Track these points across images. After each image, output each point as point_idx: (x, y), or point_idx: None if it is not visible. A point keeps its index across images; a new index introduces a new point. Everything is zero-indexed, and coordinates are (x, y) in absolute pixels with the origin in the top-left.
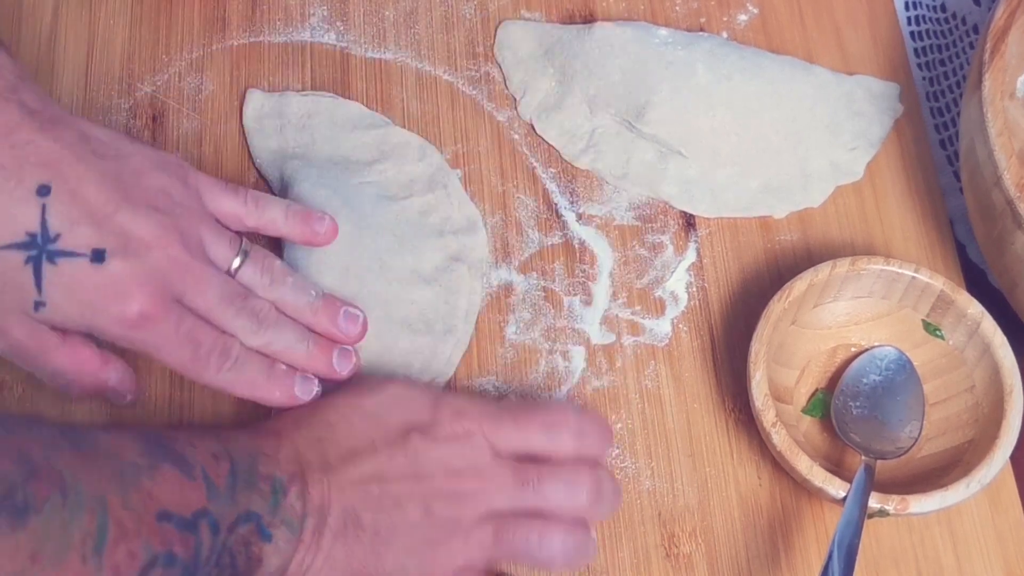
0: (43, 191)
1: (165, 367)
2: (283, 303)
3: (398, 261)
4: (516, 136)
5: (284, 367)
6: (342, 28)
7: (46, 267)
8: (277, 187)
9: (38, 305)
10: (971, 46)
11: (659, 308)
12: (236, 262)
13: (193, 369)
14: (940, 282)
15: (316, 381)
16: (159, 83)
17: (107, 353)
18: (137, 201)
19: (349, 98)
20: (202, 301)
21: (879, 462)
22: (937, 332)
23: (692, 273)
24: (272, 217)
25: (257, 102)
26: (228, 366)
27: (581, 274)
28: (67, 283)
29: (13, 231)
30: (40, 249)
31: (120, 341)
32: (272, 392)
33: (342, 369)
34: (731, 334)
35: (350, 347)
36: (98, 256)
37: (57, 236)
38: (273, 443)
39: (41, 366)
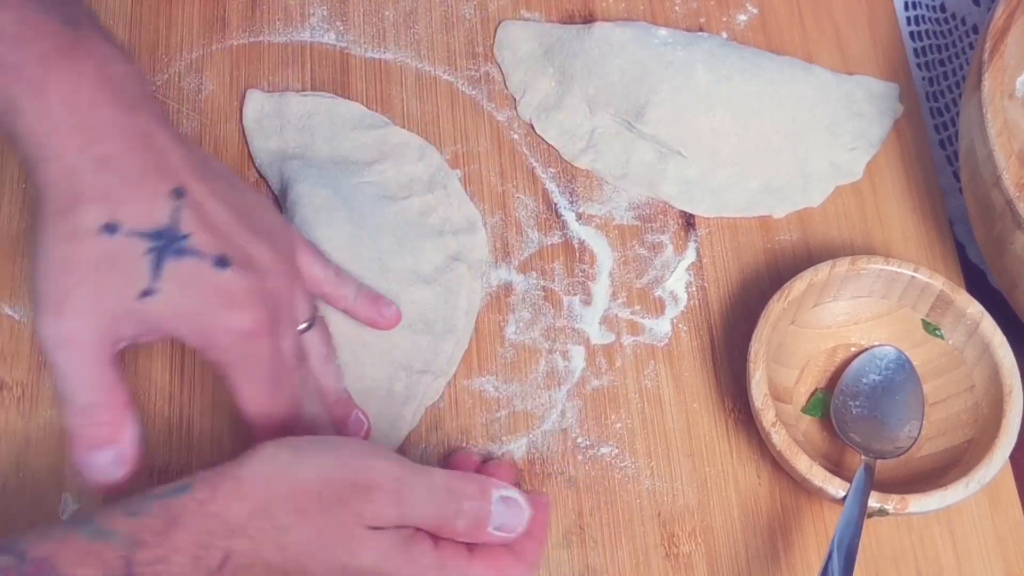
0: (178, 193)
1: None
2: (319, 382)
3: (397, 261)
4: (516, 136)
5: None
6: (342, 28)
7: (169, 260)
8: (277, 187)
9: (146, 293)
10: (971, 46)
11: (659, 308)
12: (305, 325)
13: (260, 401)
14: (939, 282)
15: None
16: (159, 83)
17: (130, 405)
18: (254, 230)
19: (349, 98)
20: (283, 342)
21: (879, 462)
22: (936, 332)
23: (692, 273)
24: (345, 293)
25: (257, 102)
26: (285, 413)
27: (581, 274)
28: (186, 279)
29: (144, 221)
30: (168, 241)
31: (213, 351)
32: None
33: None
34: (731, 334)
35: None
36: (222, 262)
37: (187, 235)
38: (211, 562)
39: (71, 373)
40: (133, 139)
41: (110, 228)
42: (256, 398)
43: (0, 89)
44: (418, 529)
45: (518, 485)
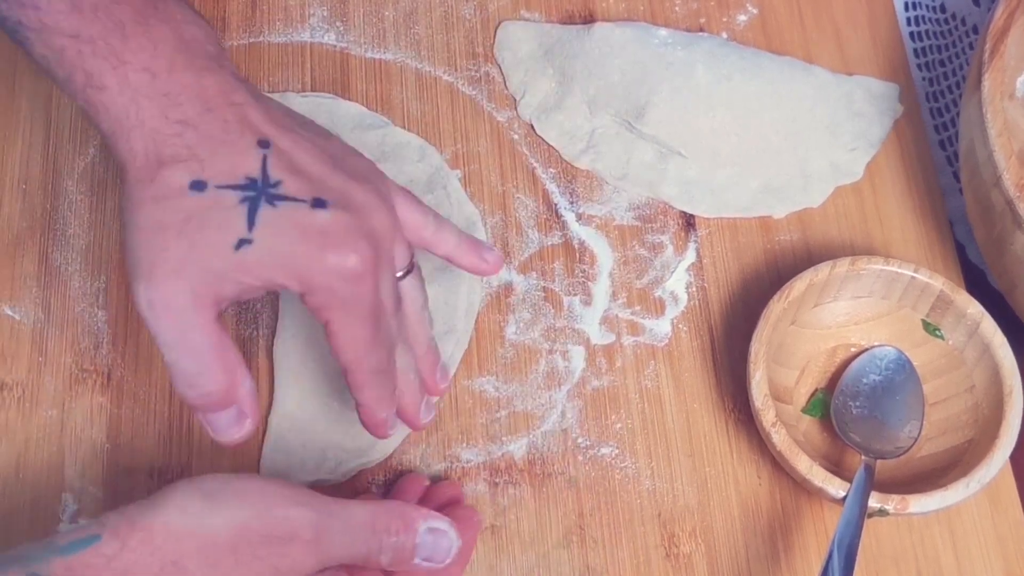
0: (264, 144)
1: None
2: (413, 330)
3: None
4: (516, 136)
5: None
6: (342, 28)
7: (264, 208)
8: None
9: (242, 243)
10: (971, 46)
11: (659, 308)
12: (403, 271)
13: (359, 345)
14: (940, 282)
15: (434, 412)
16: None
17: (242, 365)
18: (348, 173)
19: (349, 99)
20: (384, 284)
21: (879, 462)
22: (937, 332)
23: (692, 273)
24: (446, 237)
25: None
26: (384, 359)
27: (581, 274)
28: (284, 225)
29: (233, 174)
30: (259, 192)
31: (317, 294)
32: (388, 408)
33: (425, 418)
34: (731, 334)
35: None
36: (320, 203)
37: (278, 183)
38: None
39: (169, 334)
40: (212, 99)
41: (198, 185)
42: (355, 341)
43: (78, 63)
44: (341, 565)
45: (459, 503)
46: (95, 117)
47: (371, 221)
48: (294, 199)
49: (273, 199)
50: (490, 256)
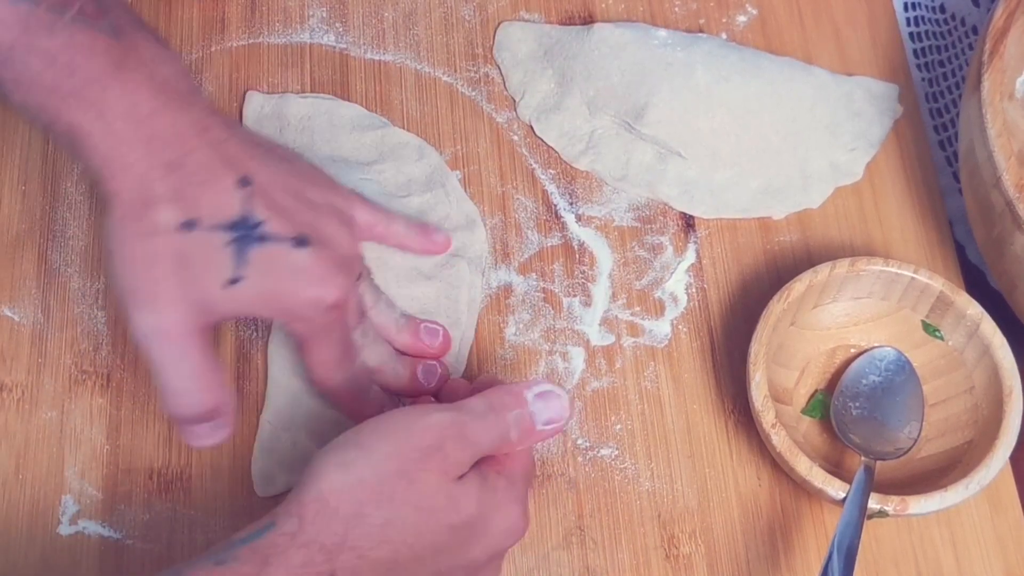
0: (244, 182)
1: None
2: (377, 322)
3: (397, 259)
4: (515, 137)
5: (377, 389)
6: (341, 29)
7: (253, 247)
8: None
9: (233, 281)
10: (970, 47)
11: (658, 309)
12: (358, 276)
13: (331, 368)
14: (939, 283)
15: (442, 370)
16: None
17: (226, 384)
18: (314, 204)
19: (349, 99)
20: (351, 306)
21: (879, 463)
22: (936, 333)
23: (691, 274)
24: (396, 229)
25: (257, 104)
26: (349, 371)
27: (580, 275)
28: (269, 263)
29: (220, 215)
30: (247, 231)
31: (298, 323)
32: (368, 408)
33: (428, 381)
34: (730, 335)
35: (434, 362)
36: (301, 242)
37: (261, 222)
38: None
39: (169, 360)
40: (192, 139)
41: (189, 224)
42: (326, 363)
43: (59, 114)
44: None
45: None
46: (79, 156)
47: (342, 251)
48: (278, 238)
49: (260, 239)
50: (438, 237)
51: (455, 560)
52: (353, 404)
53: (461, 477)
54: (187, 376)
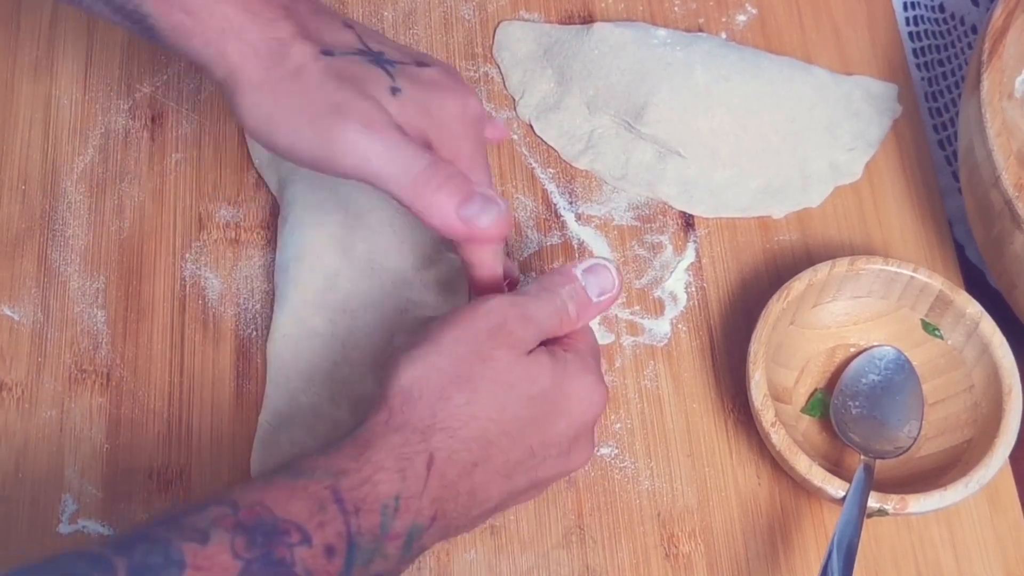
0: (348, 25)
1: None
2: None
3: (392, 261)
4: (515, 136)
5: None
6: None
7: (392, 66)
8: (275, 187)
9: (394, 91)
10: (969, 46)
11: (658, 308)
12: None
13: (484, 172)
14: (939, 282)
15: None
16: (158, 84)
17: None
18: (406, 45)
19: None
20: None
21: (878, 462)
22: (936, 332)
23: (691, 273)
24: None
25: None
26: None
27: None
28: (409, 77)
29: (347, 43)
30: (375, 57)
31: (453, 141)
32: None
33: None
34: (730, 334)
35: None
36: (422, 63)
37: (381, 52)
38: (419, 467)
39: (361, 156)
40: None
41: (328, 52)
42: (483, 168)
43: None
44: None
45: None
46: (195, 39)
47: (458, 75)
48: (402, 62)
49: (391, 62)
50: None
51: (543, 436)
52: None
53: (530, 353)
54: (415, 158)
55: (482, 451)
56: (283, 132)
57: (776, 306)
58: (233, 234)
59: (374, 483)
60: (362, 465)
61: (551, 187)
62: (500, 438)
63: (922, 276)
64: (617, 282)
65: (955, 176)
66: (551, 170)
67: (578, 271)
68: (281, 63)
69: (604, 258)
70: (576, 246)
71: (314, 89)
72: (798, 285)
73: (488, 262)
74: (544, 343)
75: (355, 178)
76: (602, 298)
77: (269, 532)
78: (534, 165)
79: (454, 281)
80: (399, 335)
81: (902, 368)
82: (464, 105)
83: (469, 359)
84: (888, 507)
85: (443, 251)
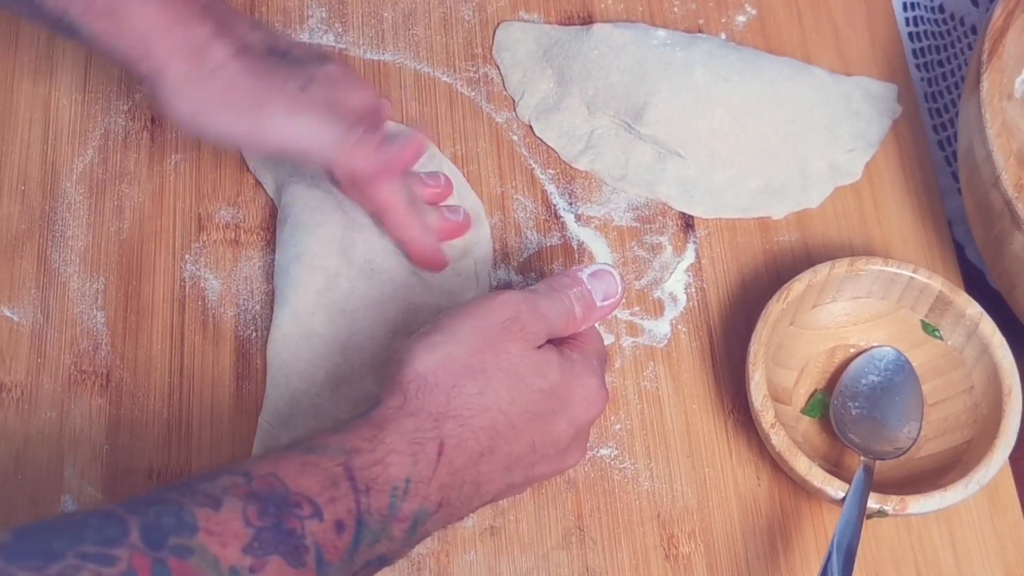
0: (256, 25)
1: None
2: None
3: (392, 262)
4: (515, 137)
5: None
6: (341, 29)
7: (296, 62)
8: (272, 188)
9: (304, 87)
10: (969, 47)
11: (658, 309)
12: None
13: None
14: (938, 282)
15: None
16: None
17: None
18: (310, 43)
19: None
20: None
21: (878, 462)
22: (936, 332)
23: (691, 274)
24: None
25: None
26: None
27: None
28: (314, 74)
29: (260, 44)
30: (283, 55)
31: (355, 134)
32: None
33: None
34: (730, 335)
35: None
36: (324, 59)
37: (288, 50)
38: (430, 453)
39: (293, 136)
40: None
41: (243, 50)
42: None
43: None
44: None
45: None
46: (117, 40)
47: (354, 71)
48: (307, 59)
49: (294, 61)
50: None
51: (546, 432)
52: (403, 210)
53: (540, 348)
54: (333, 128)
55: (489, 441)
56: (211, 122)
57: (776, 307)
58: (233, 235)
59: (386, 464)
60: (375, 446)
61: (551, 188)
62: (507, 430)
63: (922, 277)
64: (620, 287)
65: (955, 176)
66: (551, 171)
67: (584, 275)
68: (203, 61)
69: (608, 264)
70: (576, 247)
71: (236, 84)
72: (798, 286)
73: (419, 238)
74: (551, 342)
75: (281, 156)
76: (606, 303)
77: (281, 503)
78: (534, 166)
79: (453, 282)
80: (399, 336)
81: (902, 369)
82: (363, 97)
83: (483, 350)
84: (888, 508)
85: (448, 252)
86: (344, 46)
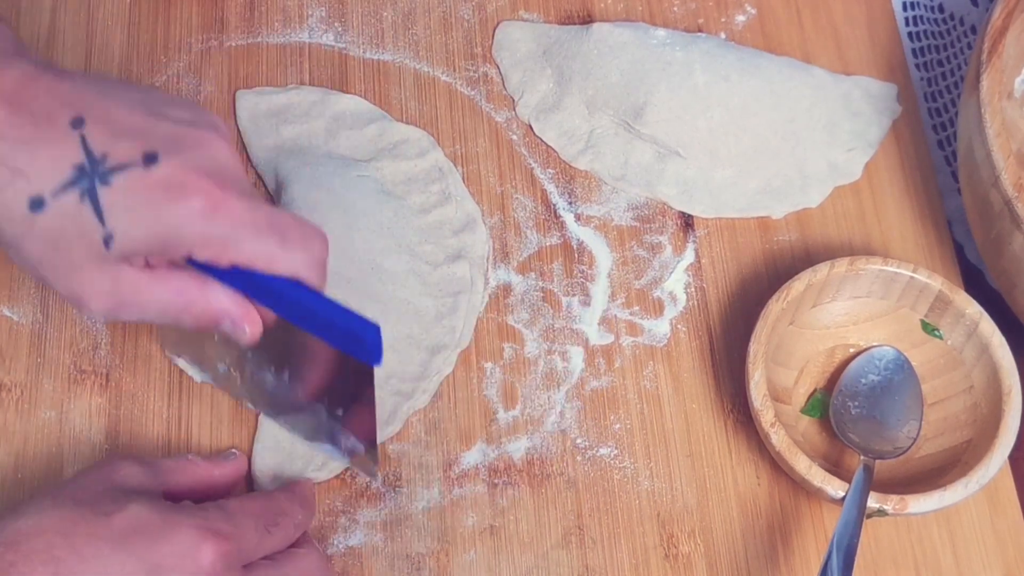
0: (77, 123)
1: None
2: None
3: (392, 262)
4: (514, 137)
5: None
6: (340, 29)
7: (101, 192)
8: (273, 187)
9: (108, 240)
10: (969, 46)
11: (657, 309)
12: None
13: (270, 251)
14: (938, 282)
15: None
16: (157, 84)
17: (206, 277)
18: (171, 118)
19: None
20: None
21: (878, 462)
22: (935, 332)
23: (690, 274)
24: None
25: (249, 102)
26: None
27: (579, 275)
28: (127, 199)
29: (60, 170)
30: (91, 175)
31: (200, 244)
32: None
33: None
34: (729, 334)
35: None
36: (150, 159)
37: (104, 156)
38: None
39: (143, 311)
40: (14, 95)
41: (36, 204)
42: (264, 250)
43: None
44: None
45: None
46: None
47: (205, 151)
48: (124, 166)
49: (106, 176)
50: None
51: None
52: None
53: None
54: (162, 311)
55: None
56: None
57: (775, 306)
58: None
59: None
60: None
61: (550, 187)
62: None
63: (921, 276)
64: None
65: (954, 176)
66: (550, 170)
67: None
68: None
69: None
70: (575, 246)
71: (35, 263)
72: (797, 285)
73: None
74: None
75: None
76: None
77: None
78: (533, 165)
79: (453, 283)
80: (396, 336)
81: (901, 368)
82: (190, 204)
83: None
84: (888, 507)
85: (442, 254)
86: (343, 45)
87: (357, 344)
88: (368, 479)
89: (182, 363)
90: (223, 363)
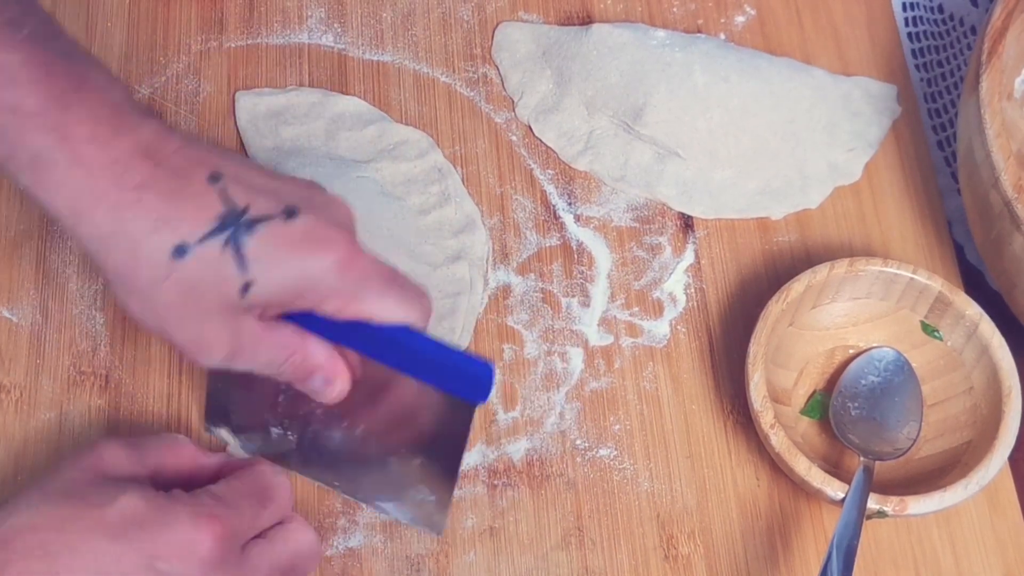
0: (215, 178)
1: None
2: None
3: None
4: (514, 137)
5: None
6: (340, 30)
7: (245, 240)
8: None
9: (247, 287)
10: (969, 47)
11: (657, 310)
12: None
13: (391, 305)
14: (938, 283)
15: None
16: (156, 85)
17: (305, 332)
18: (295, 182)
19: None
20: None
21: (877, 463)
22: (935, 333)
23: (690, 274)
24: None
25: (249, 103)
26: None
27: (579, 276)
28: (270, 248)
29: (205, 219)
30: (235, 224)
31: (330, 296)
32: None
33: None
34: (729, 336)
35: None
36: (291, 212)
37: (247, 207)
38: None
39: (254, 360)
40: (155, 152)
41: (179, 251)
42: (386, 305)
43: (21, 136)
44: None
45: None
46: (46, 198)
47: (336, 211)
48: (267, 217)
49: (250, 225)
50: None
51: None
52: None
53: None
54: (271, 365)
55: None
56: (155, 326)
57: (775, 307)
58: None
59: None
60: None
61: (550, 188)
62: None
63: (921, 277)
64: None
65: (954, 177)
66: (550, 171)
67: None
68: (136, 265)
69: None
70: (575, 247)
71: (174, 311)
72: (797, 286)
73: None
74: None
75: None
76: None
77: None
78: (533, 166)
79: (452, 284)
80: None
81: (901, 369)
82: (330, 256)
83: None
84: (887, 509)
85: (441, 255)
86: (343, 46)
87: (469, 384)
88: (433, 534)
89: (223, 433)
90: (279, 427)
